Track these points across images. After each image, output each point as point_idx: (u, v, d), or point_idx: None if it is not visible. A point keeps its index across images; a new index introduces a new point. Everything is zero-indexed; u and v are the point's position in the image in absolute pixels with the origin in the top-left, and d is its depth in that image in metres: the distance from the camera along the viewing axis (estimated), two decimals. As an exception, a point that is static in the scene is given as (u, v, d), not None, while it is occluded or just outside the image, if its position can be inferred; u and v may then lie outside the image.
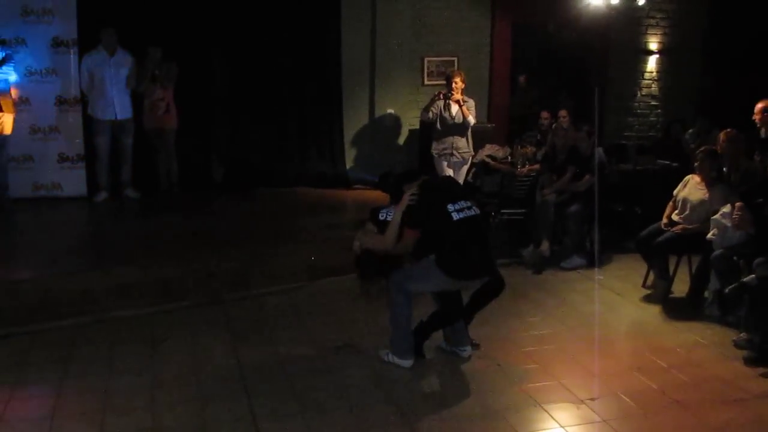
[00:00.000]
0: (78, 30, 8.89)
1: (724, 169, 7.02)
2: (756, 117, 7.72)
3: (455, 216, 4.92)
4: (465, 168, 8.80)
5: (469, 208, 5.00)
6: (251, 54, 9.84)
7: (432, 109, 8.58)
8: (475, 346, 5.51)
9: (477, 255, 5.02)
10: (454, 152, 8.59)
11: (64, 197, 9.11)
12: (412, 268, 5.19)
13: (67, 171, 9.17)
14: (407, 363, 5.18)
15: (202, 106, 9.64)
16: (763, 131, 7.58)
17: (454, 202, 4.97)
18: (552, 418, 4.54)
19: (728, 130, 7.06)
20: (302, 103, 10.23)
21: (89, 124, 9.04)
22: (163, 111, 8.99)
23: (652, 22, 11.59)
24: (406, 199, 5.03)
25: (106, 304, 6.12)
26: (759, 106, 7.72)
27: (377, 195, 8.65)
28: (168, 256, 6.93)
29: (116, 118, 8.94)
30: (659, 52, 11.69)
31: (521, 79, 11.91)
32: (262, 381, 4.96)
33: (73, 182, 9.18)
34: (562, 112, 9.03)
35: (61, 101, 9.04)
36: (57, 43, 8.91)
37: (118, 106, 8.93)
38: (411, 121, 10.50)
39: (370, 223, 5.38)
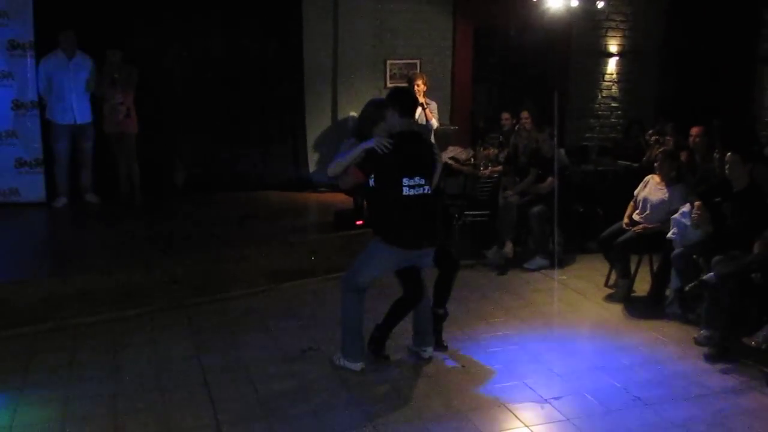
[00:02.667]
0: (35, 32, 8.73)
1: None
2: (691, 140, 7.89)
3: (405, 191, 4.92)
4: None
5: (422, 185, 4.97)
6: (212, 58, 9.78)
7: None
8: (444, 347, 5.54)
9: (419, 225, 5.01)
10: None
11: (23, 203, 8.93)
12: (356, 260, 5.20)
13: (25, 176, 8.98)
14: (357, 366, 5.15)
15: (163, 110, 9.54)
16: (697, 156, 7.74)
17: (410, 177, 4.94)
18: (516, 417, 4.57)
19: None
20: (265, 106, 10.17)
21: (48, 129, 8.88)
22: (123, 115, 8.83)
23: (612, 24, 11.74)
24: (376, 143, 4.93)
25: (66, 311, 6.02)
26: (694, 130, 7.88)
27: (342, 198, 8.64)
28: (130, 261, 6.83)
29: (75, 122, 8.80)
30: (619, 54, 11.84)
31: None
32: (226, 386, 4.92)
33: (32, 188, 8.99)
34: (524, 114, 9.09)
35: (17, 105, 8.86)
36: (13, 46, 8.71)
37: (77, 110, 8.79)
38: (374, 124, 10.48)
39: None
